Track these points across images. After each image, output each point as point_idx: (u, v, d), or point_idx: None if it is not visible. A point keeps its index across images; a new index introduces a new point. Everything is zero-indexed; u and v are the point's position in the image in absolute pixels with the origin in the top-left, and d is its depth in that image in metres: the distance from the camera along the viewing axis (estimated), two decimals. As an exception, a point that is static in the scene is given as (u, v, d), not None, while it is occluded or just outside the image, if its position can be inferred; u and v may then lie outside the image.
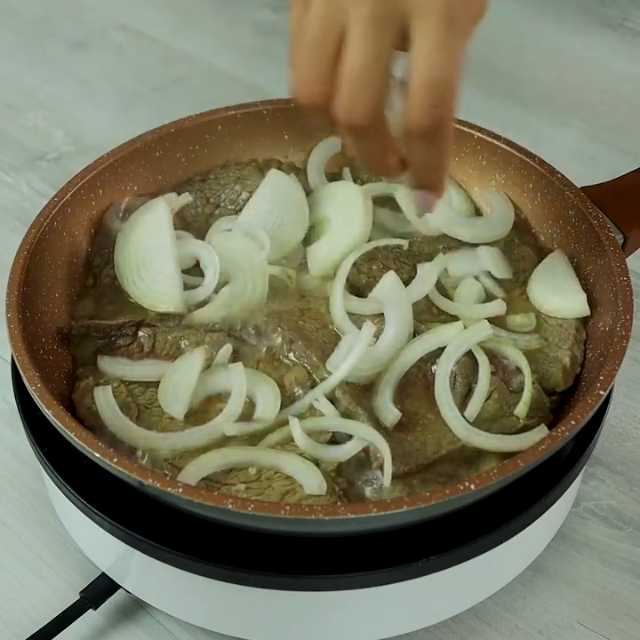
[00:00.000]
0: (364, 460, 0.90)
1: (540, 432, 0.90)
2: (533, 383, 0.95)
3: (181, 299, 1.01)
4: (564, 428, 0.85)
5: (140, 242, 1.04)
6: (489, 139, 1.13)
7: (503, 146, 1.12)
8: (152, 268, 1.02)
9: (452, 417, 0.92)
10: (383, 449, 0.89)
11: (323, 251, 1.07)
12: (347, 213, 1.08)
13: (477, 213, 1.15)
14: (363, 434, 0.90)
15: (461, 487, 0.80)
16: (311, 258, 1.07)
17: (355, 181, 1.16)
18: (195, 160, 1.16)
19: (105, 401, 0.93)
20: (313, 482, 0.87)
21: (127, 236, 1.05)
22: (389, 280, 1.01)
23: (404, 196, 1.12)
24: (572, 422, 0.86)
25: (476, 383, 0.95)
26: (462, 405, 0.94)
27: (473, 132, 1.14)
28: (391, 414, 0.93)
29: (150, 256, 1.03)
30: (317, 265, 1.06)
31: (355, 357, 0.94)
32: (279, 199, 1.09)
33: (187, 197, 1.10)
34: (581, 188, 1.07)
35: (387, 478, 0.88)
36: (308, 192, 1.13)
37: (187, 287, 1.02)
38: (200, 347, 0.97)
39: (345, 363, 0.94)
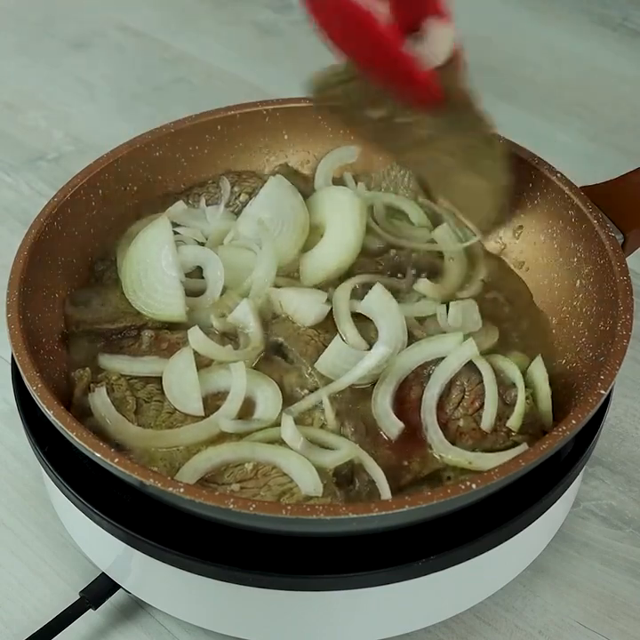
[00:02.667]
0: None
1: (519, 450, 0.89)
2: (527, 398, 0.94)
3: (183, 310, 1.01)
4: (564, 428, 0.85)
5: (141, 256, 1.03)
6: (489, 139, 1.13)
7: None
8: (155, 280, 1.02)
9: (437, 441, 0.91)
10: (376, 473, 0.88)
11: (315, 261, 1.07)
12: (341, 223, 1.08)
13: None
14: (353, 453, 0.89)
15: (462, 487, 0.80)
16: (304, 268, 1.07)
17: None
18: (195, 160, 1.16)
19: (100, 401, 0.93)
20: (309, 480, 0.87)
21: (128, 250, 1.05)
22: (376, 292, 1.01)
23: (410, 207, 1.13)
24: (573, 422, 0.86)
25: (470, 391, 0.95)
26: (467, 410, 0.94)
27: (473, 131, 1.13)
28: (394, 427, 0.93)
29: (152, 269, 1.02)
30: (310, 276, 1.06)
31: (363, 369, 0.94)
32: (278, 207, 1.08)
33: (180, 205, 1.11)
34: (581, 187, 1.07)
35: (384, 495, 0.87)
36: (306, 195, 1.12)
37: (189, 293, 1.03)
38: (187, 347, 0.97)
39: (354, 372, 0.94)
